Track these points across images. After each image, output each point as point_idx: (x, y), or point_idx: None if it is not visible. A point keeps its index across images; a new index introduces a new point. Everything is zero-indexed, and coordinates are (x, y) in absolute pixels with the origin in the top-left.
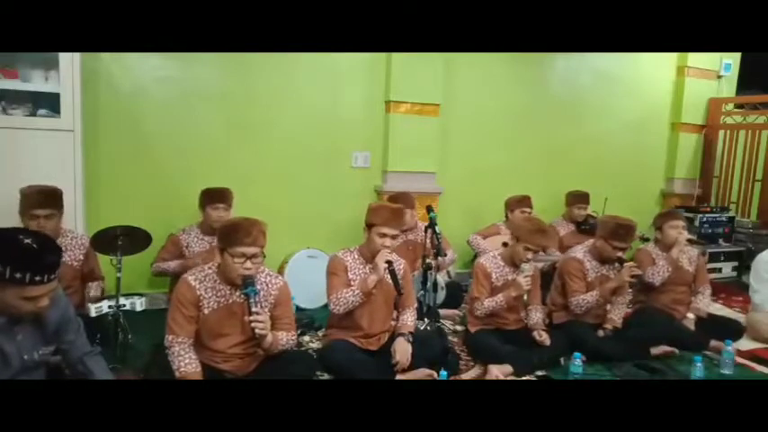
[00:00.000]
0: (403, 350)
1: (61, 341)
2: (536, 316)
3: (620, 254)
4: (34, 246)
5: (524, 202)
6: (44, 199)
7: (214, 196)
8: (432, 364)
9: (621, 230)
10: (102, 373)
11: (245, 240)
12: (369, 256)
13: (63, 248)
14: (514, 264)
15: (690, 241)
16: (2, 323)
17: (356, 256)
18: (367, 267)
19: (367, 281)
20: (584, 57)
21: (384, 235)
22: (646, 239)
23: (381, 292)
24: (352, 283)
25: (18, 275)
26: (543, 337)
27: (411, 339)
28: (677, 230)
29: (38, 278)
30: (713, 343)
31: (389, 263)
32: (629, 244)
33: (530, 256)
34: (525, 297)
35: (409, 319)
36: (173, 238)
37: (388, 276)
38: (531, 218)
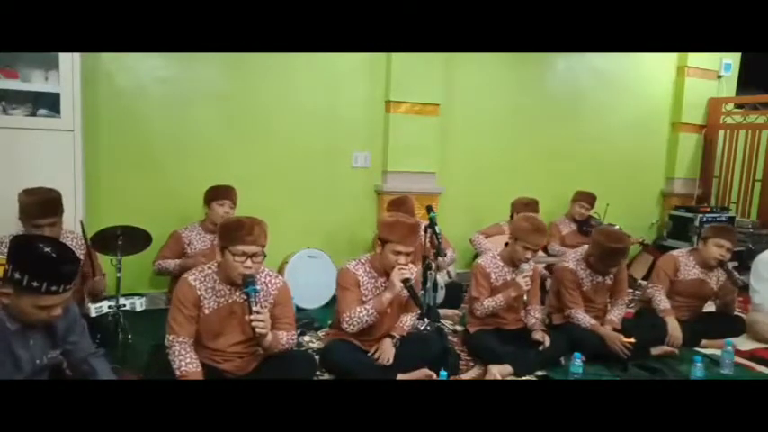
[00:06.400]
0: (385, 349)
1: (66, 342)
2: (535, 316)
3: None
4: (53, 255)
5: (531, 206)
6: (46, 208)
7: (221, 193)
8: (432, 364)
9: (613, 255)
10: (105, 373)
11: (247, 239)
12: (381, 269)
13: None
14: (514, 264)
15: (727, 272)
16: (16, 329)
17: (368, 269)
18: (379, 281)
19: (381, 299)
20: (584, 57)
21: (399, 252)
22: (645, 244)
23: (391, 305)
24: (364, 297)
25: (35, 284)
26: (544, 338)
27: (398, 344)
28: (721, 251)
29: (54, 288)
30: (704, 342)
31: (406, 280)
32: (621, 264)
33: (529, 255)
34: (525, 297)
35: (406, 322)
36: (175, 234)
37: (405, 292)
38: (529, 217)
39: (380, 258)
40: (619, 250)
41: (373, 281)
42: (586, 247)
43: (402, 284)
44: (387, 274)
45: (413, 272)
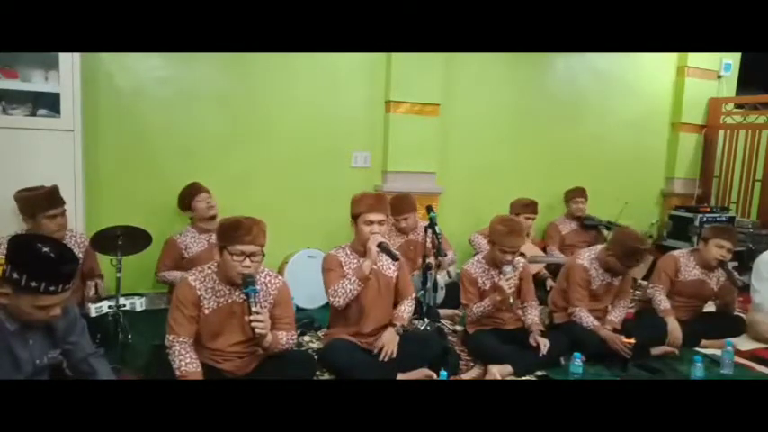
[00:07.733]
0: (389, 338)
1: (66, 342)
2: (532, 314)
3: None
4: (52, 255)
5: (530, 207)
6: (54, 198)
7: (192, 190)
8: (432, 364)
9: (636, 255)
10: (105, 373)
11: (245, 238)
12: (361, 250)
13: None
14: (498, 266)
15: (726, 272)
16: (15, 329)
17: (348, 252)
18: (360, 261)
19: (362, 267)
20: (584, 57)
21: (371, 222)
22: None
23: (379, 285)
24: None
25: (34, 284)
26: (541, 345)
27: (401, 331)
28: (722, 251)
29: (52, 288)
30: (704, 342)
31: (380, 244)
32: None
33: (509, 258)
34: (511, 300)
35: (405, 310)
36: (170, 241)
37: (383, 257)
38: (504, 219)
39: (357, 237)
40: (641, 250)
41: (355, 261)
42: (599, 247)
43: (378, 249)
44: (365, 253)
45: (385, 234)
